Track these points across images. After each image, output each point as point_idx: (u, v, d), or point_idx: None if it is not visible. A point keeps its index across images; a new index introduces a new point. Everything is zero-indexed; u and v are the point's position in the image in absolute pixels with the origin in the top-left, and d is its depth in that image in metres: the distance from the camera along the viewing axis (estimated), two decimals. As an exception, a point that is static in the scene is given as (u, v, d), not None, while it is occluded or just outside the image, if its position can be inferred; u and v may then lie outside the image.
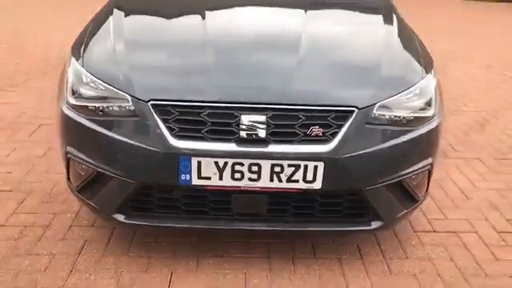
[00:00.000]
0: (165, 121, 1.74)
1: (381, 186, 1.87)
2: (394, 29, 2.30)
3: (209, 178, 1.76)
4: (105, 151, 1.84)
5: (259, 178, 1.76)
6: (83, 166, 1.91)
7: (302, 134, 1.75)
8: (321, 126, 1.76)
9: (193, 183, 1.77)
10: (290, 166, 1.74)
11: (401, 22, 2.43)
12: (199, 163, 1.73)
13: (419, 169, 1.95)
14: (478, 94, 4.50)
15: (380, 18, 2.42)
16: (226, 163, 1.73)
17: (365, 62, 2.05)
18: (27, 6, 7.69)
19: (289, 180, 1.77)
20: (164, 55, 2.04)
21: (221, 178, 1.76)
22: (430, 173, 2.03)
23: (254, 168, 1.74)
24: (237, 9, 2.58)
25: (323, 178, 1.76)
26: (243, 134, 1.73)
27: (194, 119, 1.74)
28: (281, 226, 1.93)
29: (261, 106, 1.74)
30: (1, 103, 3.69)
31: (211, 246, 2.16)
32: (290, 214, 1.91)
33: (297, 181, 1.77)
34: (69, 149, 1.92)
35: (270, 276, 2.02)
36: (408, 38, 2.29)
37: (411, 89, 1.94)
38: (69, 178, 2.04)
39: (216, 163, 1.73)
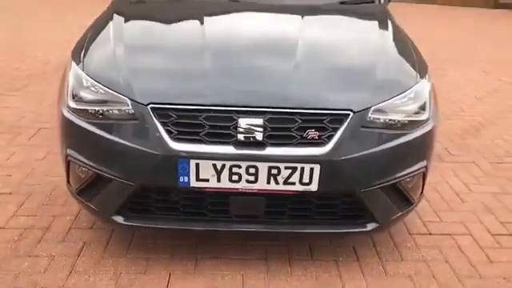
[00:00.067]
0: (164, 124, 1.77)
1: (376, 188, 1.90)
2: (388, 34, 2.34)
3: (207, 180, 1.79)
4: (105, 154, 1.87)
5: (256, 180, 1.79)
6: (83, 169, 1.94)
7: (299, 137, 1.78)
8: (317, 129, 1.79)
9: (191, 185, 1.79)
10: (286, 168, 1.77)
11: (396, 27, 2.47)
12: (197, 165, 1.76)
13: (414, 171, 1.98)
14: (474, 99, 4.55)
15: (375, 23, 2.46)
16: (223, 165, 1.76)
17: (360, 66, 2.09)
18: (27, 10, 7.74)
19: (285, 182, 1.80)
20: (163, 60, 2.08)
21: (219, 180, 1.79)
22: (424, 175, 2.06)
23: (252, 170, 1.77)
24: (235, 15, 2.62)
25: (319, 181, 1.79)
26: (241, 136, 1.76)
27: (193, 122, 1.77)
28: (278, 228, 1.96)
29: (258, 110, 1.77)
30: (1, 107, 3.72)
31: (209, 248, 2.18)
32: (287, 216, 1.94)
33: (293, 183, 1.80)
34: (69, 151, 1.95)
35: (267, 277, 2.04)
36: (403, 44, 2.33)
37: (406, 93, 1.97)
38: (68, 181, 2.06)
39: (214, 165, 1.76)
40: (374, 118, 1.86)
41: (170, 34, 2.36)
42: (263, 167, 1.77)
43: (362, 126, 1.83)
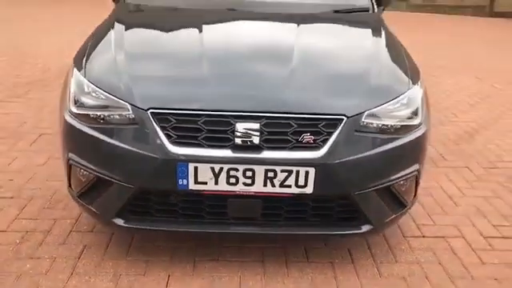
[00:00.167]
0: (163, 128, 1.83)
1: (370, 190, 1.95)
2: (382, 41, 2.41)
3: (205, 183, 1.84)
4: (105, 157, 1.92)
5: (253, 182, 1.84)
6: (84, 172, 1.99)
7: (294, 141, 1.84)
8: (312, 133, 1.84)
9: (190, 188, 1.85)
10: (282, 171, 1.83)
11: (389, 35, 2.54)
12: (196, 169, 1.81)
13: (406, 175, 2.03)
14: (467, 105, 4.62)
15: (369, 31, 2.53)
16: (221, 168, 1.82)
17: (354, 72, 2.15)
18: (26, 18, 7.81)
19: (282, 185, 1.85)
20: (163, 66, 2.14)
21: (216, 183, 1.84)
22: (417, 179, 2.12)
23: (249, 173, 1.83)
24: (233, 23, 2.69)
25: (314, 183, 1.85)
26: (238, 140, 1.81)
27: (191, 127, 1.83)
28: (274, 230, 2.01)
29: (255, 115, 1.83)
30: (2, 113, 3.77)
31: (207, 251, 2.22)
32: (283, 218, 1.99)
33: (289, 186, 1.85)
34: (70, 155, 2.00)
35: (264, 279, 2.09)
36: (395, 51, 2.39)
37: (398, 98, 2.03)
38: (70, 185, 2.11)
39: (212, 169, 1.82)
40: (367, 123, 1.92)
41: (169, 41, 2.43)
42: (260, 170, 1.82)
43: (356, 131, 1.89)
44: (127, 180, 1.89)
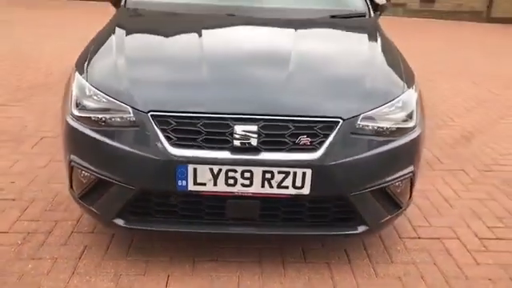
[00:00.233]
0: (163, 130, 1.87)
1: (366, 192, 1.99)
2: (377, 46, 2.46)
3: (204, 184, 1.88)
4: (107, 159, 1.96)
5: (251, 183, 1.88)
6: (85, 174, 2.03)
7: (291, 143, 1.88)
8: (308, 135, 1.89)
9: (189, 189, 1.88)
10: (280, 172, 1.87)
11: (385, 39, 2.59)
12: (195, 170, 1.85)
13: (401, 176, 2.07)
14: (464, 110, 4.67)
15: (365, 36, 2.58)
16: (220, 170, 1.86)
17: (350, 76, 2.20)
18: (28, 24, 7.88)
19: (279, 186, 1.89)
20: (163, 70, 2.18)
21: (215, 184, 1.88)
22: (412, 180, 2.16)
23: (247, 174, 1.87)
24: (232, 28, 2.74)
25: (311, 184, 1.89)
26: (236, 142, 1.85)
27: (191, 129, 1.87)
28: (272, 231, 2.05)
29: (253, 117, 1.87)
30: (4, 117, 3.81)
31: (206, 251, 2.26)
32: (281, 219, 2.02)
33: (286, 187, 1.89)
34: (72, 157, 2.04)
35: (261, 279, 2.12)
36: (391, 55, 2.44)
37: (393, 101, 2.08)
38: (71, 186, 2.15)
39: (211, 170, 1.86)
40: (363, 125, 1.96)
41: (169, 46, 2.48)
42: (258, 171, 1.86)
43: (352, 133, 1.94)
44: (128, 181, 1.93)
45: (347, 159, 1.91)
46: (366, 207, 2.03)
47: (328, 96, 2.06)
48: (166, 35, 2.58)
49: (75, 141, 2.04)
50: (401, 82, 2.20)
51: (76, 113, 2.03)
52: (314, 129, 1.90)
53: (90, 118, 1.99)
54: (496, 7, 11.78)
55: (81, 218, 2.47)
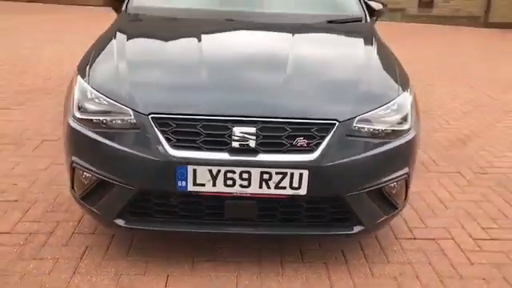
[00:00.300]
0: (163, 132, 1.91)
1: (362, 192, 2.03)
2: (373, 50, 2.51)
3: (203, 185, 1.92)
4: (108, 160, 2.00)
5: (249, 184, 1.92)
6: (87, 175, 2.07)
7: (289, 145, 1.92)
8: (305, 137, 1.93)
9: (188, 189, 1.93)
10: (277, 173, 1.91)
11: (380, 44, 2.64)
12: (195, 171, 1.90)
13: (396, 177, 2.11)
14: (460, 113, 4.72)
15: (361, 40, 2.63)
16: (219, 171, 1.90)
17: (346, 79, 2.25)
18: (26, 30, 7.94)
19: (276, 186, 1.93)
20: (163, 74, 2.23)
21: (214, 185, 1.92)
22: (407, 181, 2.20)
23: (245, 175, 1.91)
24: (231, 32, 2.80)
25: (308, 185, 1.93)
26: (235, 144, 1.90)
27: (190, 131, 1.91)
28: (270, 230, 2.09)
29: (251, 119, 1.92)
30: (5, 120, 3.86)
31: (205, 251, 2.30)
32: (279, 219, 2.06)
33: (284, 187, 1.93)
34: (74, 158, 2.08)
35: (259, 278, 2.16)
36: (386, 59, 2.49)
37: (389, 104, 2.12)
38: (73, 187, 2.18)
39: (210, 171, 1.90)
40: (358, 128, 2.01)
41: (169, 50, 2.52)
42: (256, 172, 1.91)
43: (348, 135, 1.98)
44: (128, 182, 1.97)
45: (343, 160, 1.95)
46: (362, 208, 2.07)
47: (324, 99, 2.11)
48: (166, 40, 2.63)
49: (77, 142, 2.08)
50: (396, 86, 2.25)
51: (78, 115, 2.07)
52: (311, 131, 1.94)
53: (91, 120, 2.03)
54: (494, 12, 11.89)
55: (82, 219, 2.51)
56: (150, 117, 1.93)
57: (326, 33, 2.92)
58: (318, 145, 1.94)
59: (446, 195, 3.01)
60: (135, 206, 2.04)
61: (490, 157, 3.66)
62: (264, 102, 2.02)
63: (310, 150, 1.93)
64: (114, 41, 2.45)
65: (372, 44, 2.58)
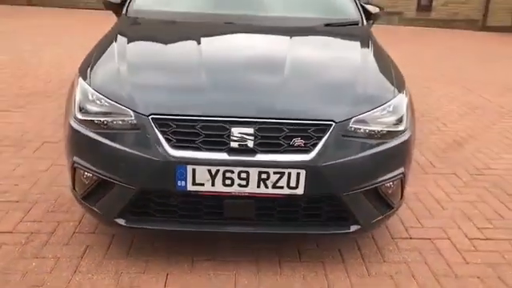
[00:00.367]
0: (163, 133, 1.95)
1: (358, 192, 2.07)
2: (369, 53, 2.56)
3: (202, 184, 1.96)
4: (109, 160, 2.03)
5: (248, 184, 1.96)
6: (88, 175, 2.10)
7: (286, 145, 1.96)
8: (302, 137, 1.97)
9: (188, 189, 1.96)
10: (275, 173, 1.95)
11: (376, 47, 2.69)
12: (194, 171, 1.93)
13: (392, 177, 2.15)
14: (457, 116, 4.77)
15: (357, 43, 2.68)
16: (217, 171, 1.94)
17: (342, 81, 2.29)
18: (25, 34, 7.98)
19: (274, 186, 1.97)
20: (163, 76, 2.27)
21: (213, 185, 1.96)
22: (402, 181, 2.24)
23: (243, 175, 1.95)
24: (229, 35, 2.84)
25: (305, 185, 1.96)
26: (233, 144, 1.94)
27: (190, 131, 1.95)
28: (268, 229, 2.12)
29: (249, 120, 1.96)
30: (6, 123, 3.89)
31: (204, 251, 2.33)
32: (276, 218, 2.10)
33: (281, 187, 1.97)
34: (75, 159, 2.11)
35: (258, 277, 2.19)
36: (382, 61, 2.54)
37: (384, 106, 2.17)
38: (74, 187, 2.22)
39: (209, 171, 1.93)
40: (354, 128, 2.05)
41: (169, 52, 2.57)
42: (254, 172, 1.94)
43: (344, 135, 2.02)
44: (129, 182, 2.00)
45: (339, 160, 1.99)
46: (358, 207, 2.10)
47: (321, 100, 2.15)
48: (166, 42, 2.67)
49: (78, 143, 2.12)
50: (391, 87, 2.29)
51: (79, 116, 2.11)
52: (308, 131, 1.98)
53: (92, 121, 2.07)
54: (491, 16, 11.97)
55: (82, 219, 2.54)
56: (150, 118, 1.97)
57: (323, 36, 2.97)
58: (314, 145, 1.97)
59: (442, 196, 3.05)
60: (135, 205, 2.07)
61: (486, 159, 3.70)
62: (262, 103, 2.06)
63: (307, 150, 1.97)
64: (114, 43, 2.49)
65: (368, 47, 2.63)
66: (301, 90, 2.18)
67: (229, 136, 1.94)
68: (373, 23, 3.27)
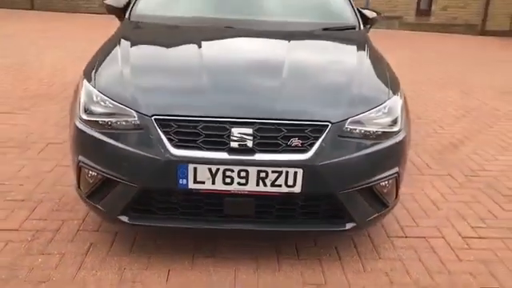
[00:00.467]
0: (166, 133, 2.03)
1: (353, 190, 2.14)
2: (365, 56, 2.64)
3: (203, 183, 2.03)
4: (113, 159, 2.11)
5: (247, 182, 2.03)
6: (92, 174, 2.18)
7: (284, 145, 2.04)
8: (300, 137, 2.05)
9: (189, 187, 2.03)
10: (273, 172, 2.02)
11: (372, 50, 2.77)
12: (195, 169, 2.00)
13: (387, 177, 2.22)
14: (453, 118, 4.84)
15: (354, 47, 2.76)
16: (218, 169, 2.01)
17: (338, 83, 2.37)
18: (28, 38, 8.07)
19: (272, 184, 2.04)
20: (165, 78, 2.35)
21: (213, 183, 2.03)
22: (397, 181, 2.31)
23: (243, 174, 2.02)
24: (230, 39, 2.93)
25: (302, 183, 2.04)
26: (233, 144, 2.01)
27: (191, 131, 2.03)
28: (266, 227, 2.19)
29: (249, 121, 2.03)
30: (11, 124, 3.97)
31: (205, 248, 2.40)
32: (275, 216, 2.17)
33: (279, 185, 2.04)
34: (81, 158, 2.18)
35: (257, 273, 2.26)
36: (378, 64, 2.62)
37: (379, 107, 2.24)
38: (79, 186, 2.29)
39: (209, 169, 2.01)
40: (350, 129, 2.13)
41: (171, 56, 2.65)
42: (253, 171, 2.01)
43: (340, 136, 2.10)
44: (132, 180, 2.07)
45: (335, 160, 2.06)
46: (353, 205, 2.17)
47: (318, 102, 2.23)
48: (168, 46, 2.75)
49: (83, 143, 2.19)
50: (386, 89, 2.37)
51: (84, 117, 2.18)
52: (305, 132, 2.05)
53: (97, 121, 2.14)
54: (491, 21, 12.07)
55: (86, 217, 2.61)
56: (152, 118, 2.04)
57: (321, 40, 3.05)
58: (311, 145, 2.05)
59: (437, 196, 3.11)
60: (138, 203, 2.14)
61: (481, 160, 3.77)
62: (261, 104, 2.14)
63: (304, 150, 2.04)
64: (118, 47, 2.57)
65: (364, 50, 2.71)
66: (298, 92, 2.25)
67: (229, 136, 2.01)
68: (370, 28, 3.35)
